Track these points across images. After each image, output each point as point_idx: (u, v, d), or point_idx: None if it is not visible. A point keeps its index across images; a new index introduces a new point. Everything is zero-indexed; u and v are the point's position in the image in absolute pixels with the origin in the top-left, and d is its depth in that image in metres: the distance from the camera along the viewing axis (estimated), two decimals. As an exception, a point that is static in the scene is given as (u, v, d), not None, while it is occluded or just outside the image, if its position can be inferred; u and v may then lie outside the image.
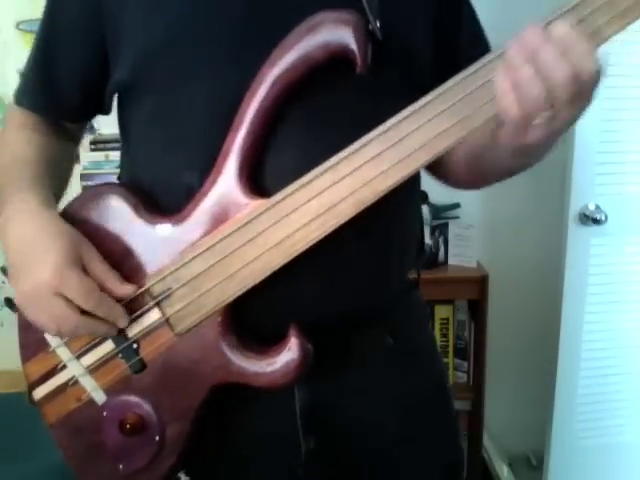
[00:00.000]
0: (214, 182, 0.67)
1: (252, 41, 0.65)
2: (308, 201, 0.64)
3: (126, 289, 0.68)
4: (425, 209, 1.86)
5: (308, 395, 0.74)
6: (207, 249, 0.67)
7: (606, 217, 1.64)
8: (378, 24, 0.65)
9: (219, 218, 0.67)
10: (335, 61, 0.64)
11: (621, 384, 1.79)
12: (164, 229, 0.69)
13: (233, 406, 0.74)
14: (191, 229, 0.68)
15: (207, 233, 0.67)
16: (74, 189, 2.02)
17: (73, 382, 0.73)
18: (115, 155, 1.81)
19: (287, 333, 0.67)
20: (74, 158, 0.89)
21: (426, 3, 0.75)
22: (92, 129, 1.90)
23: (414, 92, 0.63)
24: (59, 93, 0.78)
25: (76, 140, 0.90)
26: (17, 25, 1.89)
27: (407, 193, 0.77)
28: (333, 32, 0.63)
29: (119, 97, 0.77)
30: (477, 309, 1.90)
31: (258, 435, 0.76)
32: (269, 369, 0.68)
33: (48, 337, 0.73)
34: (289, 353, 0.67)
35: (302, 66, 0.64)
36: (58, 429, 0.76)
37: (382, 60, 0.66)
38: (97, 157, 1.82)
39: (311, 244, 0.65)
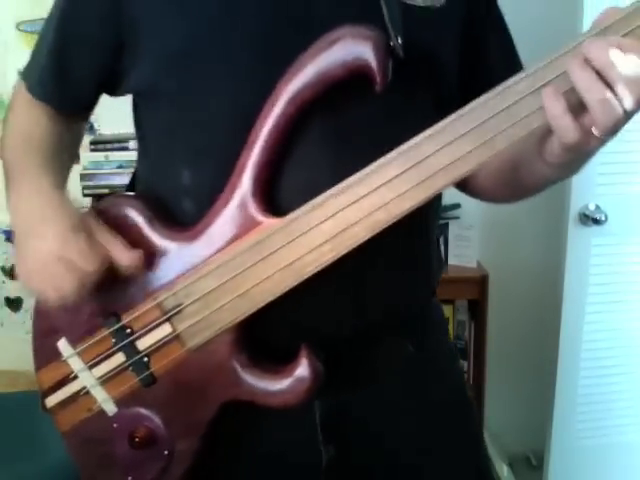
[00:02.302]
0: (228, 199, 0.66)
1: (275, 56, 0.64)
2: (322, 222, 0.63)
3: (132, 255, 0.67)
4: (425, 209, 1.86)
5: (328, 405, 0.74)
6: (219, 266, 0.66)
7: (606, 217, 1.64)
8: (400, 41, 0.63)
9: (232, 235, 0.66)
10: (356, 78, 0.61)
11: (621, 384, 1.79)
12: (178, 244, 0.69)
13: (250, 414, 0.73)
14: (204, 245, 0.67)
15: (220, 250, 0.66)
16: (74, 189, 2.02)
17: (84, 392, 0.73)
18: (115, 155, 1.81)
19: (298, 353, 0.66)
20: (79, 141, 0.89)
21: (454, 17, 0.72)
22: (92, 129, 1.90)
23: (441, 109, 0.61)
24: (74, 89, 0.77)
25: (83, 122, 0.89)
26: (17, 25, 1.89)
27: (431, 208, 0.76)
28: (352, 48, 0.60)
29: (134, 98, 0.76)
30: (477, 309, 1.90)
31: (277, 443, 0.75)
32: (279, 390, 0.67)
33: (60, 346, 0.73)
34: (299, 374, 0.66)
35: (320, 83, 0.62)
36: (70, 437, 0.76)
37: (406, 77, 0.64)
38: (97, 157, 1.82)
39: (323, 267, 0.63)
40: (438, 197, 0.80)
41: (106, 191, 1.78)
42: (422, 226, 0.75)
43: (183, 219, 0.70)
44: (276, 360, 0.68)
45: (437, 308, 0.88)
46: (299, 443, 0.75)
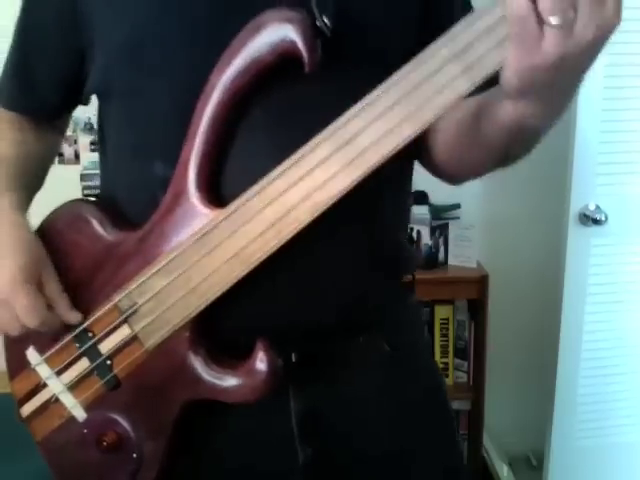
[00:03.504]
0: (174, 193, 0.66)
1: (218, 40, 0.63)
2: (262, 209, 0.62)
3: (73, 316, 0.69)
4: (425, 209, 1.86)
5: (304, 403, 0.73)
6: (168, 263, 0.66)
7: (606, 217, 1.64)
8: (327, 20, 0.62)
9: (180, 230, 0.66)
10: (288, 61, 0.61)
11: (621, 384, 1.79)
12: (130, 244, 0.68)
13: (225, 415, 0.73)
14: (154, 242, 0.67)
15: (169, 246, 0.66)
16: (74, 189, 2.02)
17: (54, 399, 0.73)
18: (115, 155, 1.81)
19: (255, 348, 0.66)
20: (54, 148, 0.89)
21: None
22: (92, 129, 1.90)
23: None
24: (38, 94, 0.78)
25: (59, 129, 0.89)
26: (17, 25, 1.89)
27: (392, 195, 0.76)
28: (278, 32, 0.60)
29: (98, 102, 0.77)
30: (477, 309, 1.90)
31: (253, 444, 0.75)
32: (237, 385, 0.67)
33: (28, 355, 0.73)
34: (256, 369, 0.66)
35: (251, 70, 0.62)
36: (44, 446, 0.76)
37: (344, 54, 0.64)
38: (97, 157, 1.82)
39: (269, 253, 0.63)
40: (402, 181, 0.79)
41: (106, 191, 1.78)
42: (379, 214, 0.74)
43: (153, 203, 0.69)
44: (242, 356, 0.68)
45: (414, 307, 0.87)
46: (275, 444, 0.74)
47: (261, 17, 0.61)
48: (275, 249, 0.63)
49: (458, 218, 1.93)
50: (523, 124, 0.60)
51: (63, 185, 0.82)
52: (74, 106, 0.84)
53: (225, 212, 0.63)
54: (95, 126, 1.89)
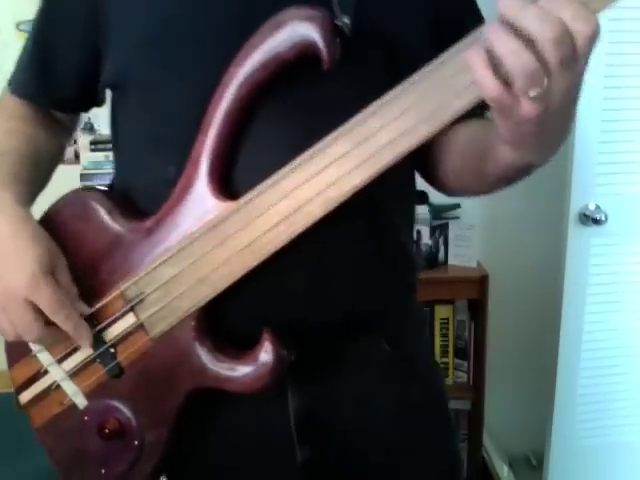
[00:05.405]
0: (186, 185, 0.67)
1: (237, 39, 0.64)
2: (276, 202, 0.63)
3: (81, 306, 0.69)
4: (425, 209, 1.86)
5: (302, 402, 0.73)
6: (177, 253, 0.66)
7: (606, 217, 1.64)
8: (347, 20, 0.63)
9: (190, 221, 0.66)
10: (306, 58, 0.62)
11: (621, 384, 1.79)
12: (138, 233, 0.69)
13: (224, 413, 0.73)
14: (164, 233, 0.68)
15: (179, 236, 0.67)
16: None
17: (55, 387, 0.74)
18: (115, 155, 1.82)
19: (261, 338, 0.66)
20: (63, 148, 0.89)
21: None
22: (92, 129, 1.90)
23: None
24: (55, 84, 0.78)
25: (68, 130, 0.89)
26: (17, 25, 1.89)
27: (397, 195, 0.76)
28: (298, 29, 0.61)
29: (112, 96, 0.77)
30: (477, 309, 1.90)
31: (251, 443, 0.75)
32: (243, 374, 0.67)
33: (29, 342, 0.73)
34: (262, 358, 0.66)
35: (270, 65, 0.63)
36: (43, 433, 0.76)
37: (362, 55, 0.65)
38: (97, 157, 1.82)
39: (281, 246, 0.64)
40: (406, 181, 0.80)
41: (106, 191, 1.79)
42: (382, 214, 0.74)
43: (165, 195, 0.69)
44: (246, 347, 0.68)
45: (417, 309, 0.88)
46: (273, 443, 0.74)
47: (283, 14, 0.62)
48: (286, 242, 0.64)
49: (458, 218, 1.93)
50: (520, 165, 0.63)
51: (63, 185, 0.81)
52: (89, 105, 0.83)
53: (238, 204, 0.64)
54: (96, 126, 1.90)
